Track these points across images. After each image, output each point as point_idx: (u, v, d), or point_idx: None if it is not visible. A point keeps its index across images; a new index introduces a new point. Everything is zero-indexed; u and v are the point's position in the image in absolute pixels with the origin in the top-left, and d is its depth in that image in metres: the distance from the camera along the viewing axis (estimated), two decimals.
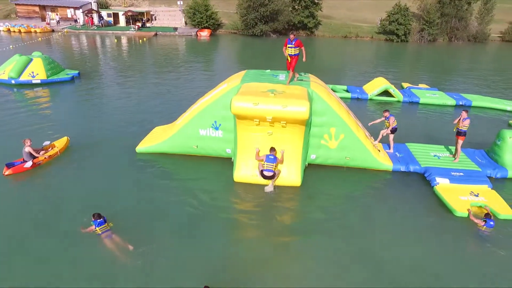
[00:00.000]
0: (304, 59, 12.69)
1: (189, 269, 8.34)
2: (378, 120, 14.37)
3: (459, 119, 13.25)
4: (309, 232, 9.93)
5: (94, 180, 11.75)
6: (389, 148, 13.98)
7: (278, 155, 11.59)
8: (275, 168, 11.31)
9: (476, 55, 47.45)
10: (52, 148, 13.10)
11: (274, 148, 11.42)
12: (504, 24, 58.67)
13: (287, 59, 12.66)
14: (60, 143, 13.53)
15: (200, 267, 8.41)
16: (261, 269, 8.52)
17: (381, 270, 8.67)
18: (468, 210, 10.73)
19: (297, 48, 12.42)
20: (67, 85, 22.49)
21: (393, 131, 13.79)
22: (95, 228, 8.96)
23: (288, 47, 12.45)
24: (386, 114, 13.84)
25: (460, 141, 13.35)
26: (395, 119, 13.76)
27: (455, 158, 13.53)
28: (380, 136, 14.08)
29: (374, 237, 9.78)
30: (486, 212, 10.56)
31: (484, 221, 10.21)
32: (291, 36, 12.33)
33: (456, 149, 13.58)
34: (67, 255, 8.51)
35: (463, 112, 13.26)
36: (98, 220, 9.00)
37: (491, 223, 10.17)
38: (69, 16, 50.43)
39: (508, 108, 21.44)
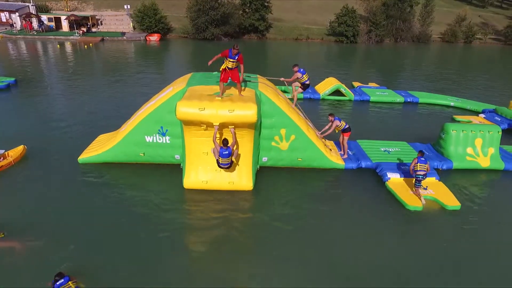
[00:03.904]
0: (241, 78, 11.29)
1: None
2: (289, 80, 13.84)
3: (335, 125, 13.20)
4: (263, 236, 9.67)
5: (33, 192, 11.01)
6: (293, 103, 13.52)
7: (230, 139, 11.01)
8: (231, 159, 10.89)
9: (420, 54, 49.74)
10: (3, 158, 12.31)
11: (226, 139, 10.54)
12: (443, 26, 62.13)
13: (225, 69, 11.13)
14: (15, 152, 12.82)
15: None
16: (214, 275, 8.19)
17: (337, 267, 8.62)
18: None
19: (237, 62, 11.06)
20: (2, 93, 20.79)
21: (303, 86, 13.48)
22: None
23: (229, 60, 10.98)
24: (295, 68, 13.32)
25: (346, 137, 13.40)
26: (307, 76, 13.37)
27: (343, 154, 13.57)
28: (295, 95, 13.96)
29: (330, 236, 9.67)
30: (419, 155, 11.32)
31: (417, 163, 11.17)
32: (234, 51, 10.80)
33: (342, 145, 13.60)
34: None
35: (329, 116, 13.17)
36: None
37: (422, 159, 11.15)
38: (4, 20, 46.90)
39: (452, 104, 22.43)
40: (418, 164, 11.15)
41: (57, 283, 7.19)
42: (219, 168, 11.15)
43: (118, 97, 21.35)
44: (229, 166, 10.92)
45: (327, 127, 13.26)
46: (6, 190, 11.10)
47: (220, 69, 11.27)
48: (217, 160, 10.83)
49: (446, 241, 9.73)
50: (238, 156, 11.41)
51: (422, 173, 11.08)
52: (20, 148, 13.03)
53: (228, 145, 10.57)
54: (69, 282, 7.25)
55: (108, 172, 12.31)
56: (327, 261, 8.83)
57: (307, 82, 13.46)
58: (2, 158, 12.32)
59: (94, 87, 23.32)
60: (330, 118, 13.13)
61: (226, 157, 10.62)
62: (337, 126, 13.10)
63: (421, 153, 11.30)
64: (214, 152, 10.87)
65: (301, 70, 13.27)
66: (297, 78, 13.31)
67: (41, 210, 10.15)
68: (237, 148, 11.31)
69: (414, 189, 11.39)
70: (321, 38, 55.29)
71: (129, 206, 10.54)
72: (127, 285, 7.81)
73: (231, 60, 10.92)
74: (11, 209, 10.14)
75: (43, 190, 11.15)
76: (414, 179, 11.30)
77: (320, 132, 13.32)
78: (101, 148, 12.91)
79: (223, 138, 10.72)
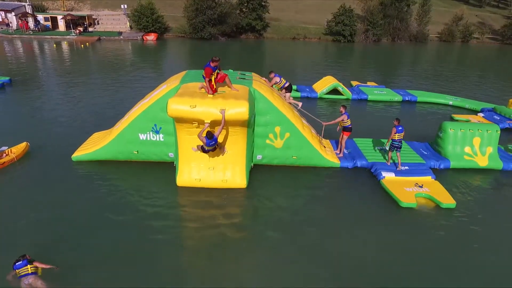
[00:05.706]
0: (221, 72, 11.19)
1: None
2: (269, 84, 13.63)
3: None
4: (257, 234, 9.52)
5: (29, 190, 10.92)
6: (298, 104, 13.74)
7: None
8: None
9: (418, 53, 49.72)
10: (6, 155, 12.30)
11: (210, 132, 10.23)
12: (440, 25, 62.18)
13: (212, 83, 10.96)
14: (18, 149, 12.74)
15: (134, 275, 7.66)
16: (209, 274, 8.06)
17: (333, 265, 8.49)
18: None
19: (218, 69, 11.01)
20: None
21: (287, 89, 13.55)
22: None
23: (213, 73, 10.87)
24: (272, 75, 13.48)
25: (345, 137, 13.18)
26: (284, 80, 13.55)
27: (339, 153, 13.35)
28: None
29: (325, 235, 9.52)
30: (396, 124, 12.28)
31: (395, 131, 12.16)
32: (214, 63, 10.65)
33: (340, 143, 13.37)
34: None
35: (341, 107, 13.03)
36: None
37: (400, 128, 12.15)
38: (0, 19, 46.83)
39: (450, 103, 22.30)
40: (396, 134, 12.15)
41: (17, 263, 7.34)
42: (212, 166, 11.00)
43: (114, 96, 21.18)
44: (214, 149, 10.70)
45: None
46: (5, 187, 11.03)
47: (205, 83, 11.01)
48: (202, 147, 10.60)
49: (440, 239, 9.59)
50: (232, 153, 11.24)
51: (398, 141, 12.25)
52: (23, 145, 12.93)
53: (214, 134, 10.31)
54: (28, 266, 7.32)
55: (101, 170, 12.14)
56: (324, 259, 8.69)
57: (287, 85, 13.52)
58: (4, 154, 12.28)
59: (89, 86, 23.15)
60: (342, 109, 12.95)
61: (212, 146, 10.47)
62: (343, 120, 12.92)
63: (397, 121, 12.27)
64: (198, 149, 10.82)
65: (277, 75, 13.49)
66: (276, 82, 13.42)
67: (36, 208, 9.98)
68: (226, 136, 11.05)
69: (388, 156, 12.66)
70: (319, 37, 55.26)
71: (121, 204, 10.37)
72: (120, 284, 7.63)
73: (214, 72, 10.84)
74: (7, 206, 10.04)
75: (39, 187, 11.03)
76: (390, 144, 12.41)
77: (326, 123, 13.51)
78: (95, 146, 12.76)
79: (207, 131, 10.31)
